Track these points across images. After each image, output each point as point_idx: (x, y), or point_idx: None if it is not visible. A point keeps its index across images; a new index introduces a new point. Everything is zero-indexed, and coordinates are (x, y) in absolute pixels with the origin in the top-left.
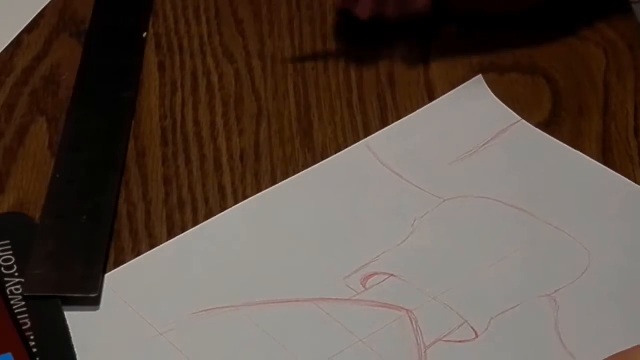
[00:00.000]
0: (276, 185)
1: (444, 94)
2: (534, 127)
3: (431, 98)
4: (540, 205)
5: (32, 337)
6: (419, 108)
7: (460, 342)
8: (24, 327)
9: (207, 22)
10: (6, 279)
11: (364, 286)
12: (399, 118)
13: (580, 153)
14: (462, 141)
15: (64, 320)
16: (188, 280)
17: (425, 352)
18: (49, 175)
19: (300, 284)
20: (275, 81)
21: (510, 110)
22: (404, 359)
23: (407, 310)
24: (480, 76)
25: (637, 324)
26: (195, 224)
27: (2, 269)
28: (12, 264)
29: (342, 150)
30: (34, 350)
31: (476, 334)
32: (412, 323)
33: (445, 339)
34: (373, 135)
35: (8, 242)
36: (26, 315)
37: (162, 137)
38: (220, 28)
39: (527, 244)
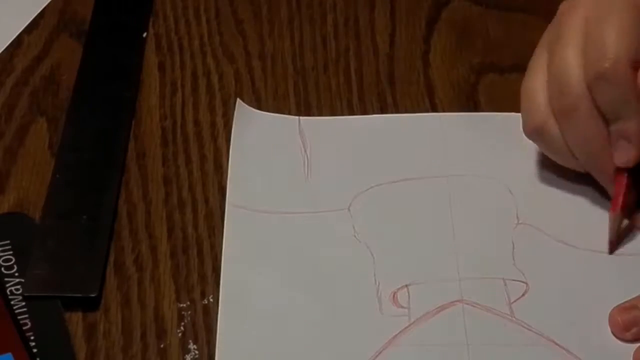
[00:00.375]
0: None
1: (444, 94)
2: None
3: (431, 98)
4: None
5: (32, 337)
6: (419, 108)
7: (523, 296)
8: (24, 327)
9: (207, 22)
10: (6, 279)
11: (402, 306)
12: None
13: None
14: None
15: (64, 320)
16: None
17: (515, 316)
18: (49, 175)
19: (358, 346)
20: (275, 81)
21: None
22: (508, 336)
23: (459, 301)
24: (238, 101)
25: None
26: (196, 224)
27: (2, 269)
28: (12, 264)
29: None
30: (34, 350)
31: (526, 284)
32: (476, 307)
33: (513, 301)
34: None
35: (8, 242)
36: (26, 315)
37: (162, 137)
38: (220, 28)
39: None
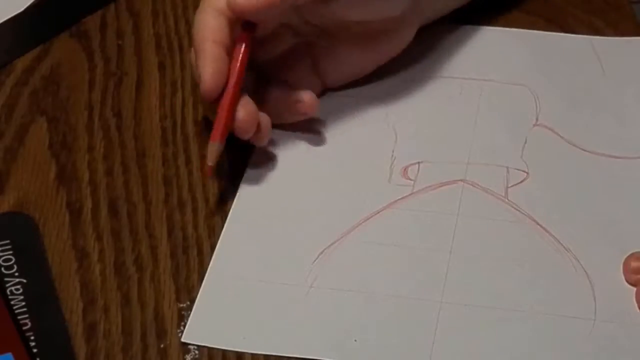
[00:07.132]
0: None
1: None
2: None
3: None
4: None
5: (32, 337)
6: None
7: (521, 183)
8: (24, 327)
9: None
10: (6, 279)
11: (409, 178)
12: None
13: None
14: None
15: (64, 320)
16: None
17: (508, 198)
18: (49, 175)
19: (362, 204)
20: None
21: None
22: (497, 212)
23: (462, 180)
24: None
25: None
26: (196, 224)
27: (2, 269)
28: (12, 264)
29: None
30: (34, 350)
31: (526, 173)
32: (475, 187)
33: (510, 186)
34: None
35: (8, 242)
36: (26, 315)
37: (162, 137)
38: None
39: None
